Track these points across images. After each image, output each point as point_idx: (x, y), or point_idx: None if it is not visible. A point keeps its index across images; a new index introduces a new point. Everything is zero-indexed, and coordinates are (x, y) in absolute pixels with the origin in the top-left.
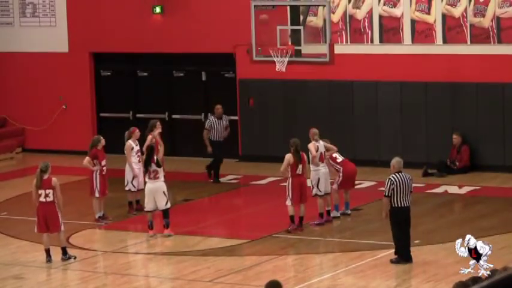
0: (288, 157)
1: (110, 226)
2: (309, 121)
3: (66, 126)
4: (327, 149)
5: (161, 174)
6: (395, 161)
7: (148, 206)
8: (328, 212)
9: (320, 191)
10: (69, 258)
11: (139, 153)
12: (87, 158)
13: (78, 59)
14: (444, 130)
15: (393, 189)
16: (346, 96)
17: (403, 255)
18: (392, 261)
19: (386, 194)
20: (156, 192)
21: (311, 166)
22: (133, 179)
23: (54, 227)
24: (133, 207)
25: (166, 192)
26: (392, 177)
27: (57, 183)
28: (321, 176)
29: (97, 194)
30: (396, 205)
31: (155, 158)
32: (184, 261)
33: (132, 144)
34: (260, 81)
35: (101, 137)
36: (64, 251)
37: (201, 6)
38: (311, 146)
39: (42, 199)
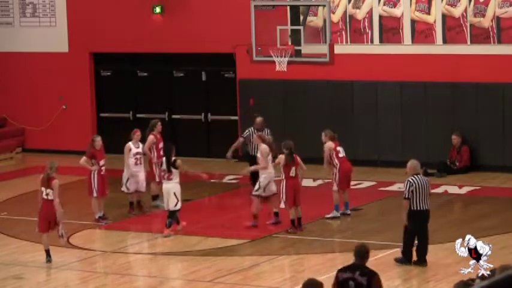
0: (281, 158)
1: (110, 226)
2: (309, 121)
3: (66, 126)
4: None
5: (174, 176)
6: (413, 164)
7: (165, 206)
8: (276, 213)
9: (264, 193)
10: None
11: (137, 156)
12: (83, 158)
13: (78, 59)
14: (444, 130)
15: (412, 191)
16: (346, 96)
17: (408, 257)
18: (396, 260)
19: (406, 196)
20: (167, 193)
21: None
22: (127, 180)
23: (54, 223)
24: (133, 208)
25: (177, 194)
26: (411, 179)
27: (56, 186)
28: (271, 179)
29: (95, 194)
30: (415, 208)
31: (173, 159)
32: (184, 261)
33: (131, 145)
34: (260, 81)
35: (98, 137)
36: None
37: (201, 6)
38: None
39: (44, 196)
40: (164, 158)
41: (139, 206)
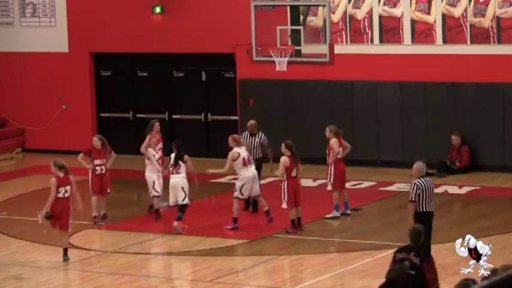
0: (284, 161)
1: (110, 226)
2: (309, 121)
3: (66, 126)
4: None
5: (182, 170)
6: (419, 166)
7: (170, 200)
8: (267, 212)
9: (242, 195)
10: (67, 259)
11: (159, 161)
12: (80, 154)
13: (78, 59)
14: (444, 130)
15: (419, 194)
16: (346, 96)
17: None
18: None
19: (412, 199)
20: (174, 187)
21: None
22: (153, 183)
23: (64, 225)
24: (159, 214)
25: (185, 189)
26: (418, 182)
27: (72, 180)
28: (246, 181)
29: (90, 192)
30: (421, 210)
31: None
32: (184, 261)
33: (152, 151)
34: (260, 81)
35: (95, 137)
36: (66, 252)
37: (201, 6)
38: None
39: (61, 195)
40: (173, 154)
41: (151, 210)
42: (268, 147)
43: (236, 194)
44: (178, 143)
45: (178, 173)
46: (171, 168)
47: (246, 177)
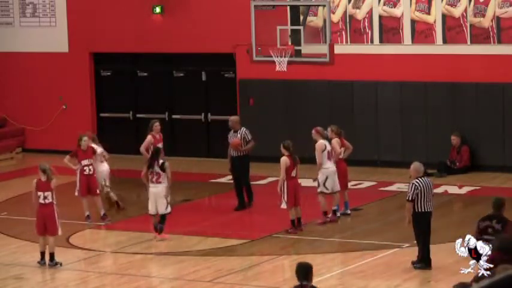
0: (285, 161)
1: (110, 226)
2: (309, 121)
3: (66, 126)
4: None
5: (163, 178)
6: (416, 166)
7: (151, 209)
8: (335, 211)
9: (327, 189)
10: (56, 264)
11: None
12: (67, 156)
13: (78, 59)
14: (444, 130)
15: (417, 194)
16: (346, 96)
17: (427, 261)
18: (416, 267)
19: (410, 198)
20: (157, 196)
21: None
22: None
23: (52, 230)
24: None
25: (167, 197)
26: (416, 181)
27: (54, 187)
28: (329, 175)
29: (76, 193)
30: (419, 210)
31: (160, 161)
32: (184, 261)
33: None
34: (260, 81)
35: (85, 137)
36: (53, 256)
37: (201, 6)
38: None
39: (41, 201)
40: (149, 159)
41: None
42: (251, 141)
43: (321, 188)
44: (156, 149)
45: (159, 182)
46: (150, 177)
47: (330, 171)
